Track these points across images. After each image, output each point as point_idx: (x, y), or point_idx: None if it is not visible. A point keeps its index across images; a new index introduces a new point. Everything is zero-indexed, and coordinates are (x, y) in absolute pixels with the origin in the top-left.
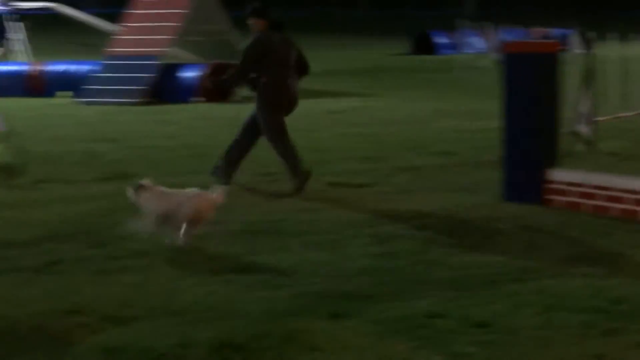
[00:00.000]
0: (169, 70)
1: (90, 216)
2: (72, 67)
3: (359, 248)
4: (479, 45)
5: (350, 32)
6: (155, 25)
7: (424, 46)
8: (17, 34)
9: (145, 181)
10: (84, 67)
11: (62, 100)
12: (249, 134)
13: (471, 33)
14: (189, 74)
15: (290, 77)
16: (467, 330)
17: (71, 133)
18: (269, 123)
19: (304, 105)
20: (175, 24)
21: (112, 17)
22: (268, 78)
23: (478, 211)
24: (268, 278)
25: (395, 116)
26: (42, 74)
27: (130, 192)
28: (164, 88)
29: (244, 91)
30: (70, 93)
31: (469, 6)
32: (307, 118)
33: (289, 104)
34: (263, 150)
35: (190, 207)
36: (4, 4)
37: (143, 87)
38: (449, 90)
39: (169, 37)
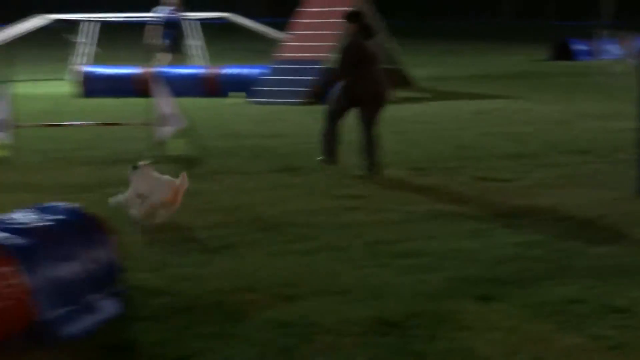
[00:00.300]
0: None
1: (261, 204)
2: (245, 71)
3: (503, 237)
4: (616, 52)
5: (494, 39)
6: (318, 33)
7: (563, 53)
8: (195, 40)
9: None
10: (254, 71)
11: (236, 101)
12: (362, 127)
13: (608, 40)
14: None
15: (377, 74)
16: (606, 315)
17: (243, 130)
18: (335, 105)
19: (452, 106)
20: (335, 32)
21: (280, 26)
22: (357, 76)
23: (614, 205)
24: (420, 263)
25: (536, 117)
26: (218, 76)
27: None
28: (325, 90)
29: (398, 92)
30: (242, 94)
31: (606, 16)
32: (455, 118)
33: (374, 98)
34: (414, 148)
35: (162, 192)
36: (175, 12)
37: (307, 89)
38: (586, 94)
39: (331, 43)
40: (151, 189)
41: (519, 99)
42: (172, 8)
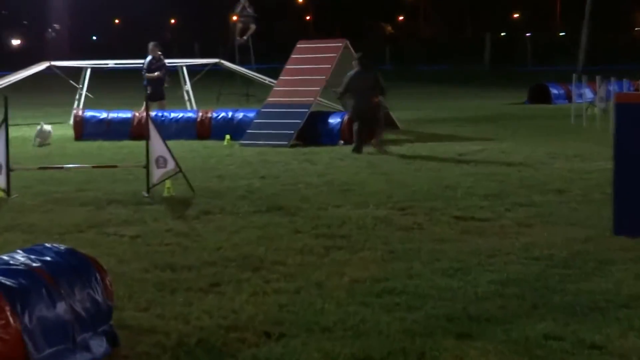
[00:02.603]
0: (317, 117)
1: (248, 243)
2: (234, 114)
3: (480, 275)
4: (590, 96)
5: (475, 84)
6: (306, 78)
7: (541, 97)
8: (185, 85)
9: None
10: (244, 114)
11: (226, 143)
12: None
13: (582, 85)
14: (334, 120)
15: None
16: (582, 352)
17: (233, 171)
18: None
19: (435, 147)
20: (323, 77)
21: (270, 72)
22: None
23: (589, 243)
24: (401, 301)
25: (514, 158)
26: (209, 119)
27: None
28: (312, 133)
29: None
30: (228, 136)
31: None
32: (437, 159)
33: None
34: (397, 188)
35: None
36: (156, 61)
37: (294, 132)
38: (563, 135)
39: (317, 88)
40: None
41: (498, 140)
42: (152, 57)
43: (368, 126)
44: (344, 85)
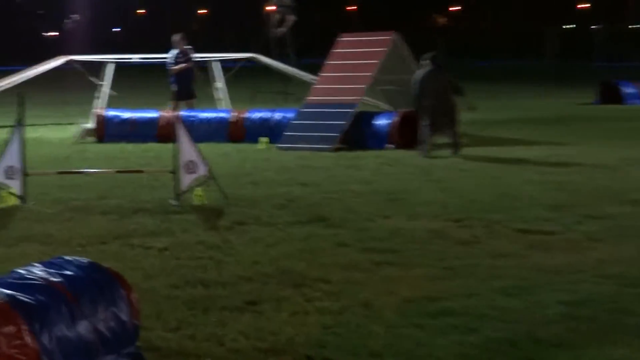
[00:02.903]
0: (362, 118)
1: (287, 257)
2: (271, 115)
3: (547, 295)
4: None
5: (537, 82)
6: (350, 75)
7: (612, 96)
8: (218, 82)
9: None
10: (282, 115)
11: (262, 146)
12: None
13: None
14: (382, 121)
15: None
16: None
17: (270, 177)
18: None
19: (493, 152)
20: (369, 74)
21: (309, 68)
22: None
23: None
24: (458, 323)
25: (584, 164)
26: (243, 120)
27: None
28: (357, 135)
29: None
30: (266, 139)
31: None
32: (496, 165)
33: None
34: (453, 197)
35: None
36: (184, 55)
37: (338, 134)
38: (637, 140)
39: (363, 86)
40: None
41: (564, 145)
42: (179, 51)
43: (445, 130)
44: (418, 88)
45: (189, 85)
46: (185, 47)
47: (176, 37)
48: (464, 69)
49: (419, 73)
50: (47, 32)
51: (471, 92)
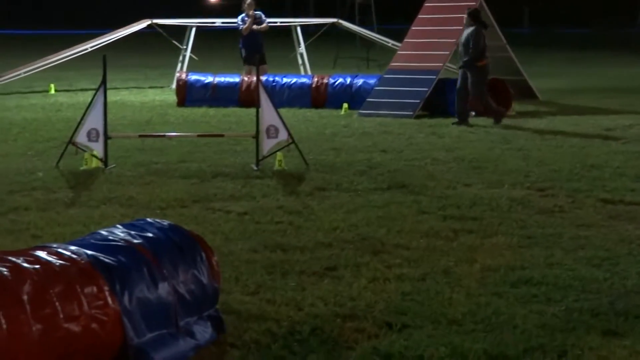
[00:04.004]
0: (445, 84)
1: (367, 224)
2: (353, 81)
3: (631, 266)
4: None
5: (626, 49)
6: (434, 42)
7: None
8: (299, 47)
9: None
10: (364, 81)
11: (343, 112)
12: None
13: None
14: None
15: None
16: None
17: (351, 143)
18: (482, 85)
19: (578, 121)
20: (453, 40)
21: (393, 34)
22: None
23: None
24: (539, 292)
25: None
26: (325, 86)
27: None
28: (440, 102)
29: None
30: (345, 105)
31: None
32: (581, 134)
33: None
34: (536, 166)
35: None
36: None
37: (420, 101)
38: None
39: (447, 52)
40: None
41: None
42: (246, 14)
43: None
44: (481, 47)
45: (259, 50)
46: (253, 12)
47: (247, 1)
48: (550, 35)
49: (472, 31)
50: None
51: (556, 61)
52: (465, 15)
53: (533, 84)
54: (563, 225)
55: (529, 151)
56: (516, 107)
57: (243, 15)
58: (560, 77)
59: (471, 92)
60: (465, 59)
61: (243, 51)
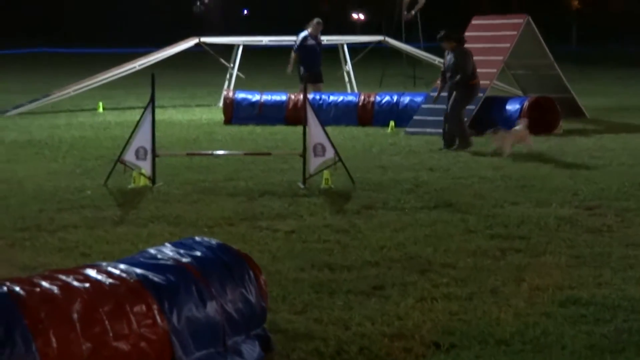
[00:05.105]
0: (493, 102)
1: (414, 243)
2: (400, 98)
3: None
4: None
5: None
6: (481, 59)
7: None
8: (346, 65)
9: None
10: (411, 99)
11: (390, 130)
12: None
13: None
14: (512, 106)
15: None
16: None
17: (398, 161)
18: (465, 106)
19: (628, 139)
20: (500, 57)
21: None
22: (477, 79)
23: None
24: (588, 312)
25: None
26: (372, 104)
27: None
28: (487, 120)
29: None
30: (392, 122)
31: None
32: (631, 153)
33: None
34: (584, 185)
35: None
36: (312, 37)
37: (467, 119)
38: None
39: (494, 70)
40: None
41: None
42: (308, 33)
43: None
44: (470, 68)
45: (316, 68)
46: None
47: (314, 21)
48: (598, 53)
49: (455, 53)
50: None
51: (605, 78)
52: (456, 40)
53: (580, 102)
54: (612, 244)
55: (577, 169)
56: (564, 125)
57: (306, 33)
58: (608, 94)
59: (449, 109)
60: (455, 80)
61: (301, 69)
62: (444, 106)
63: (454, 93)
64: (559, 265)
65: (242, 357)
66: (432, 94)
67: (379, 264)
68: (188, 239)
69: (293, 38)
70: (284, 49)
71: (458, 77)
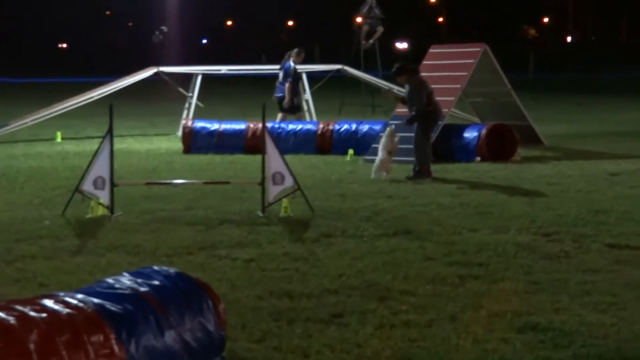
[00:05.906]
0: (451, 130)
1: (373, 270)
2: (359, 127)
3: (638, 312)
4: None
5: (632, 93)
6: (439, 87)
7: None
8: (305, 93)
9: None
10: (370, 127)
11: (349, 158)
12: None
13: None
14: (470, 134)
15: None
16: None
17: (357, 189)
18: (427, 134)
19: (584, 166)
20: (458, 85)
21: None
22: (434, 106)
23: None
24: (545, 338)
25: None
26: (331, 132)
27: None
28: (445, 148)
29: (525, 150)
30: (351, 151)
31: None
32: (587, 179)
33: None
34: (541, 211)
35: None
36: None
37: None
38: None
39: (452, 99)
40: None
41: None
42: (294, 63)
43: None
44: (425, 100)
45: (297, 98)
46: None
47: (295, 50)
48: (556, 81)
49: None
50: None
51: (562, 105)
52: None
53: (538, 129)
54: (569, 270)
55: (535, 196)
56: (522, 152)
57: (293, 65)
58: (567, 121)
59: (415, 139)
60: (412, 113)
61: (295, 100)
62: (402, 134)
63: (415, 126)
64: (517, 292)
65: None
66: (390, 122)
67: (338, 292)
68: (146, 268)
69: (253, 67)
70: (243, 78)
71: (414, 110)
